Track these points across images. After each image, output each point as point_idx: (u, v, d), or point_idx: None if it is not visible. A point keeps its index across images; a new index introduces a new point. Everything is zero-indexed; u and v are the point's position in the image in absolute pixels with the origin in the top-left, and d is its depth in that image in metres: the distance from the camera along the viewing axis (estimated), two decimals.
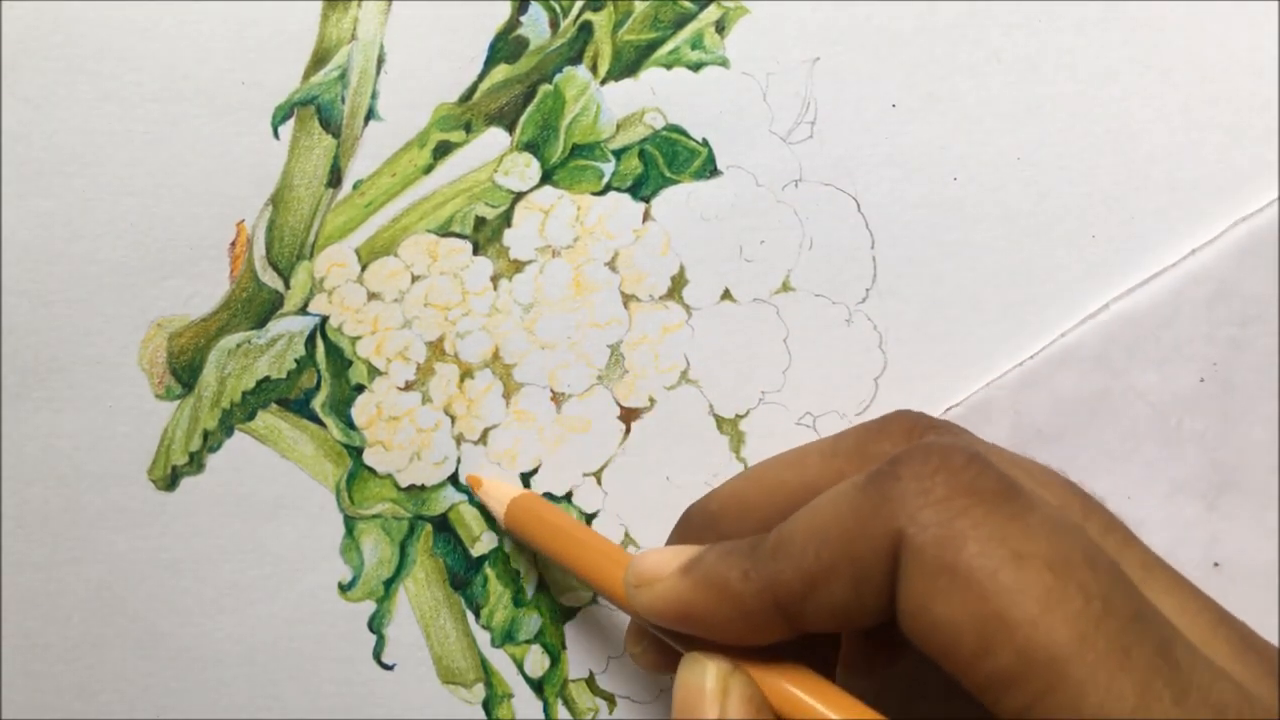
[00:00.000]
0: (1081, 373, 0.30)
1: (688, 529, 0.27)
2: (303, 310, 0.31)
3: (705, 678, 0.23)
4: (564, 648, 0.32)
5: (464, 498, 0.31)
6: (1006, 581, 0.19)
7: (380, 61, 0.30)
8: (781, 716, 0.22)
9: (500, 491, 0.30)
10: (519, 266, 0.31)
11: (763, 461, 0.26)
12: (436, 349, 0.31)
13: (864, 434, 0.25)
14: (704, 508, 0.27)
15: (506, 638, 0.32)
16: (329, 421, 0.31)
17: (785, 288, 0.31)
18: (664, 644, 0.25)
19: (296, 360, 0.31)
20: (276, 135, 0.31)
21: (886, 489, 0.20)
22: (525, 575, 0.32)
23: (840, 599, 0.21)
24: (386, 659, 0.32)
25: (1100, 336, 0.30)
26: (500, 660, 0.32)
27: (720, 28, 0.31)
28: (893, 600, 0.20)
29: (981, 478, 0.20)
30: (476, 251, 0.31)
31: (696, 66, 0.31)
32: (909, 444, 0.23)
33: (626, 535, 0.31)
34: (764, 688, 0.22)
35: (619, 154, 0.31)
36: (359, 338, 0.31)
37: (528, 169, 0.31)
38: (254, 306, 0.31)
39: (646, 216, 0.31)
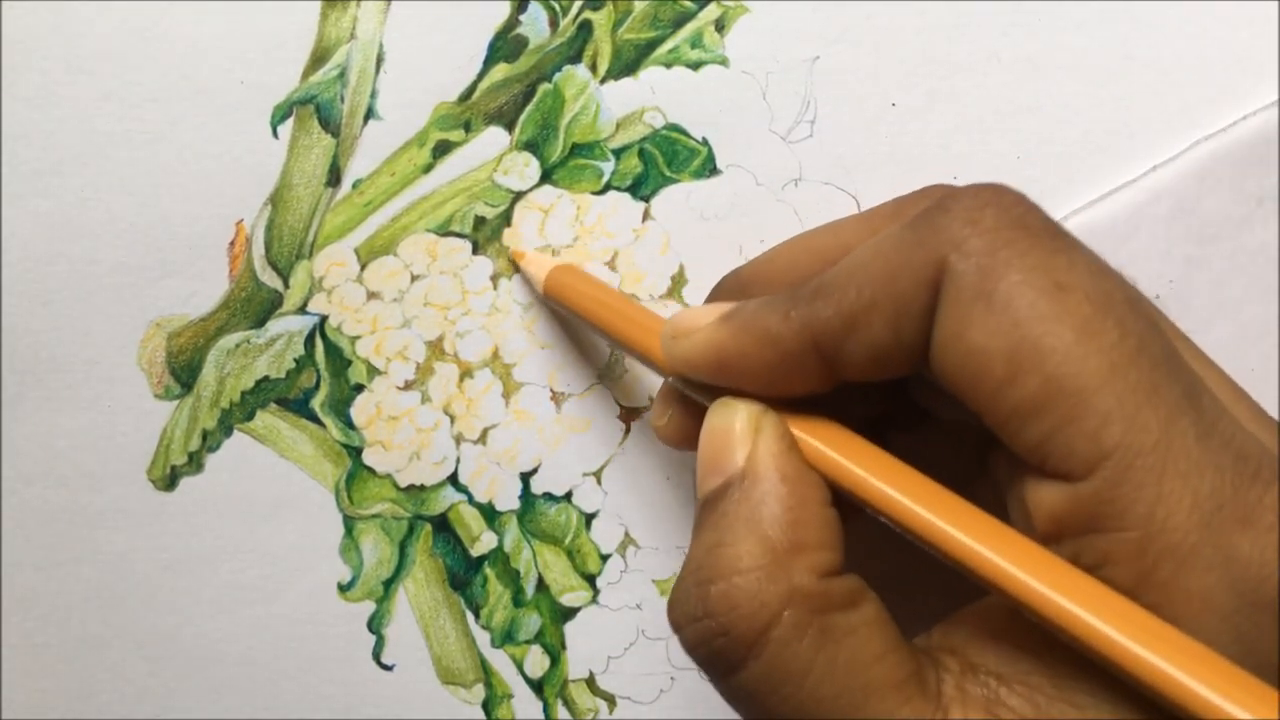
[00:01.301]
0: None
1: (719, 296, 0.27)
2: (302, 310, 0.31)
3: (735, 417, 0.22)
4: (564, 648, 0.32)
5: (464, 497, 0.31)
6: (1043, 309, 0.19)
7: (379, 60, 0.30)
8: (812, 463, 0.22)
9: (541, 261, 0.30)
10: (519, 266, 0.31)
11: (795, 236, 0.26)
12: (436, 348, 0.31)
13: (900, 201, 0.25)
14: (736, 276, 0.27)
15: (506, 638, 0.32)
16: (328, 421, 0.31)
17: None
18: (691, 412, 0.24)
19: (296, 360, 0.31)
20: (275, 135, 0.30)
21: (935, 221, 0.20)
22: (525, 575, 0.32)
23: (880, 337, 0.20)
24: (386, 659, 0.32)
25: None
26: (500, 660, 0.32)
27: (720, 26, 0.30)
28: (928, 342, 0.20)
29: (1031, 214, 0.20)
30: (476, 251, 0.31)
31: (696, 65, 0.31)
32: None
33: (627, 535, 0.31)
34: (797, 433, 0.22)
35: (618, 153, 0.31)
36: (358, 337, 0.31)
37: (527, 168, 0.31)
38: (253, 306, 0.31)
39: (646, 216, 0.31)
